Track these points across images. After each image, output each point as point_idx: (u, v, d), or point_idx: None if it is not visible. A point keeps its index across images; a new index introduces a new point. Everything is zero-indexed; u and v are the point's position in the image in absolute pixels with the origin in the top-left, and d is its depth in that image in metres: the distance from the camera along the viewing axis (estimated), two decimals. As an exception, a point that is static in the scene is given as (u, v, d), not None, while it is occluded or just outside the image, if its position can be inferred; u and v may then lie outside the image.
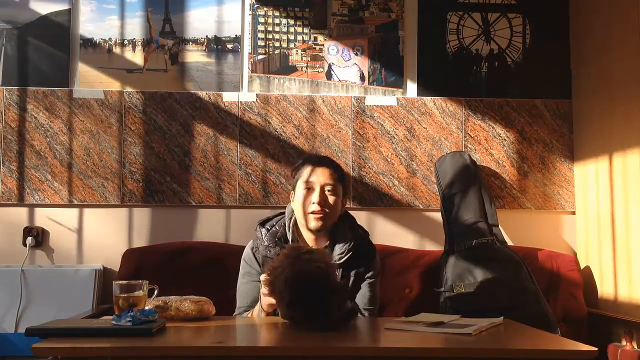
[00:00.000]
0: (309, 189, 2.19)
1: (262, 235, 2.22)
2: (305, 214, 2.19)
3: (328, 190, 2.19)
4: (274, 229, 2.23)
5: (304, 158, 2.35)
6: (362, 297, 2.22)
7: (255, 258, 2.23)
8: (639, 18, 2.65)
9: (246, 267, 2.26)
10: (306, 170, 2.23)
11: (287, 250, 1.86)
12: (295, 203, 2.22)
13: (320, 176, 2.20)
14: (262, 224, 2.26)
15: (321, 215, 2.16)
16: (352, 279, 2.20)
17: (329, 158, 2.34)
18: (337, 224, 2.24)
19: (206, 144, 3.08)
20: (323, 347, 1.61)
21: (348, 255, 2.18)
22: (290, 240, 2.21)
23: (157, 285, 1.94)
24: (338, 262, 2.15)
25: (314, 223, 2.18)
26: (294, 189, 2.27)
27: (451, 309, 2.67)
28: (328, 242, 2.22)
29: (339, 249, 2.20)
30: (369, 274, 2.24)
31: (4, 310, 2.87)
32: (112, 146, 3.07)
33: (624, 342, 2.51)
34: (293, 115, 3.11)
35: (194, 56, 3.16)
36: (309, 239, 2.23)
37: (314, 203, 2.16)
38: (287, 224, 2.24)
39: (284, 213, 2.29)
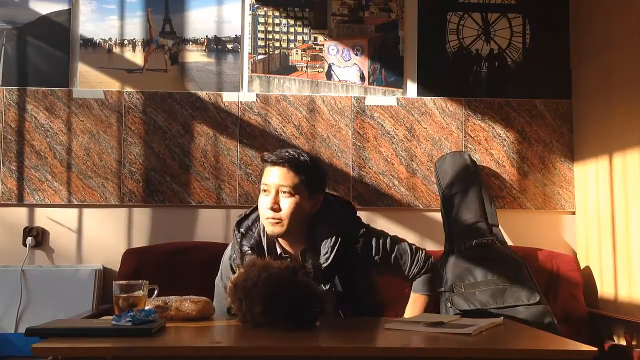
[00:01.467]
0: (265, 191, 2.02)
1: (237, 241, 2.09)
2: (263, 220, 2.02)
3: (283, 192, 1.99)
4: (249, 232, 2.09)
5: (262, 156, 2.09)
6: (396, 265, 2.09)
7: (232, 269, 2.10)
8: (639, 18, 2.65)
9: (223, 276, 2.16)
10: (264, 170, 2.05)
11: (250, 262, 1.84)
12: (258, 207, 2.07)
13: (275, 177, 2.00)
14: (239, 224, 2.11)
15: (276, 220, 1.98)
16: (353, 270, 2.05)
17: (287, 154, 2.04)
18: (313, 224, 2.05)
19: (206, 144, 3.08)
20: (323, 347, 1.62)
21: (334, 251, 2.01)
22: (265, 248, 2.06)
23: (157, 285, 1.94)
24: (326, 264, 2.01)
25: (270, 229, 2.01)
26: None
27: (451, 309, 2.67)
28: (304, 245, 2.05)
29: (323, 249, 2.03)
30: (374, 251, 2.08)
31: (4, 310, 2.87)
32: (112, 146, 3.07)
33: (623, 342, 2.51)
34: (293, 115, 3.11)
35: (194, 56, 3.16)
36: (283, 243, 2.07)
37: (267, 208, 1.99)
38: (261, 228, 2.08)
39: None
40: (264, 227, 2.06)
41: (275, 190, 2.00)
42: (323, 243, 2.03)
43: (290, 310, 1.72)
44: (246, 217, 2.13)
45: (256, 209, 2.11)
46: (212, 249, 2.91)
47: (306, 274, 1.85)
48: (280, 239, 2.06)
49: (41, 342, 1.52)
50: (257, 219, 2.09)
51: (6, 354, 2.79)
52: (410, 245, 2.16)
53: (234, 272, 2.02)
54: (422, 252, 2.15)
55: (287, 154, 2.05)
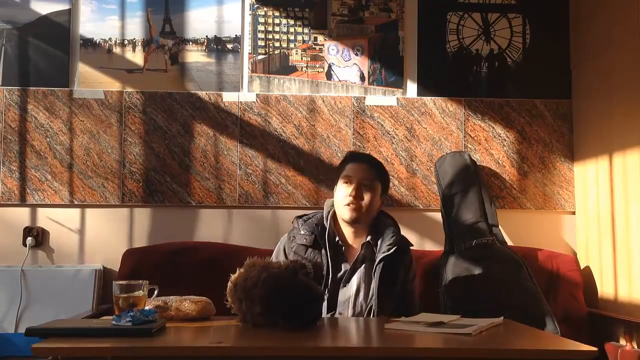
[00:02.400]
0: (347, 182, 2.28)
1: (299, 225, 2.29)
2: (341, 206, 2.26)
3: (364, 185, 2.26)
4: (310, 220, 2.31)
5: (347, 153, 2.45)
6: (408, 295, 2.31)
7: (284, 252, 2.29)
8: (639, 18, 2.65)
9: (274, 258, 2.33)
10: (347, 166, 2.33)
11: (250, 262, 1.89)
12: (334, 195, 2.32)
13: (359, 172, 2.29)
14: (299, 217, 2.34)
15: (355, 206, 2.24)
16: (402, 272, 2.28)
17: (369, 156, 2.48)
18: (377, 221, 2.31)
19: (206, 144, 3.09)
20: (323, 347, 1.62)
21: (394, 248, 2.23)
22: (327, 229, 2.27)
23: (157, 285, 1.94)
24: (386, 253, 2.22)
25: (348, 214, 2.24)
26: (335, 183, 2.35)
27: (451, 309, 2.66)
28: (369, 237, 2.28)
29: (386, 241, 2.25)
30: (411, 275, 2.34)
31: (4, 310, 2.87)
32: (112, 146, 3.07)
33: (623, 342, 2.51)
34: (293, 115, 3.11)
35: (194, 56, 3.16)
36: (347, 232, 2.31)
37: (349, 196, 2.24)
38: (325, 215, 2.31)
39: (321, 210, 2.36)
40: (329, 215, 2.30)
41: (357, 182, 2.27)
42: (387, 235, 2.27)
43: (290, 310, 1.72)
44: (305, 214, 2.37)
45: (316, 211, 2.36)
46: (212, 249, 2.92)
47: (306, 274, 1.86)
48: (343, 229, 2.30)
49: (41, 342, 1.52)
50: (320, 216, 2.33)
51: (6, 354, 2.79)
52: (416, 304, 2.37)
53: (286, 256, 2.27)
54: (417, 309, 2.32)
55: (370, 156, 2.48)
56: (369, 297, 2.21)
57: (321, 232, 2.27)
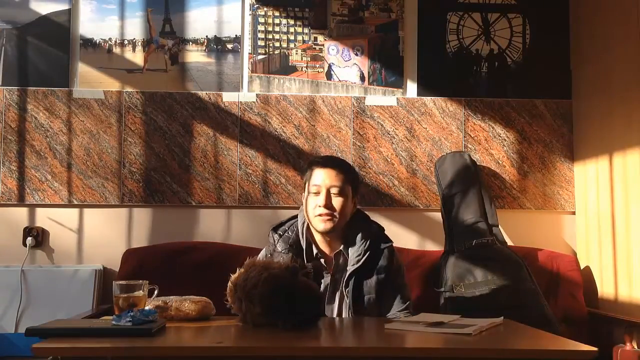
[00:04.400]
0: (316, 192, 2.18)
1: (274, 241, 2.21)
2: (312, 217, 2.18)
3: (334, 193, 2.17)
4: (286, 234, 2.22)
5: (310, 160, 2.34)
6: (398, 303, 2.20)
7: None
8: (639, 18, 2.65)
9: None
10: (313, 173, 2.22)
11: (250, 262, 1.87)
12: (304, 207, 2.22)
13: (326, 178, 2.19)
14: (275, 229, 2.25)
15: (328, 217, 2.15)
16: (374, 279, 2.16)
17: (335, 158, 2.33)
18: (349, 225, 2.22)
19: (206, 144, 3.08)
20: (323, 347, 1.62)
21: (365, 256, 2.15)
22: (303, 246, 2.19)
23: (157, 285, 1.94)
24: (356, 266, 2.14)
25: (321, 225, 2.16)
26: (304, 191, 2.26)
27: (451, 309, 2.66)
28: (342, 246, 2.20)
29: (354, 251, 2.17)
30: (397, 280, 2.22)
31: (4, 310, 2.87)
32: (112, 146, 3.07)
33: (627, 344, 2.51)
34: (293, 115, 3.11)
35: (194, 56, 3.16)
36: (322, 243, 2.22)
37: (319, 206, 2.15)
38: (300, 229, 2.22)
39: (296, 217, 2.28)
40: (304, 228, 2.21)
41: (326, 190, 2.17)
42: (356, 245, 2.18)
43: (290, 310, 1.72)
44: (282, 223, 2.27)
45: (292, 218, 2.28)
46: (212, 249, 2.92)
47: (306, 274, 1.85)
48: (318, 240, 2.21)
49: (41, 342, 1.52)
50: (294, 225, 2.24)
51: (6, 354, 2.79)
52: (409, 296, 2.26)
53: None
54: (410, 312, 2.21)
55: (333, 158, 2.34)
56: (348, 312, 2.13)
57: (297, 251, 2.17)
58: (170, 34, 3.17)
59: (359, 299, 2.15)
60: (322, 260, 2.20)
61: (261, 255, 2.25)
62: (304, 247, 2.19)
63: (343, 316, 2.15)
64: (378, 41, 3.19)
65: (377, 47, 3.19)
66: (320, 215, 2.15)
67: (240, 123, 3.10)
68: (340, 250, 2.19)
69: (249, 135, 3.10)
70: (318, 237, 2.22)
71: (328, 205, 2.15)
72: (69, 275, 2.93)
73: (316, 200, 2.17)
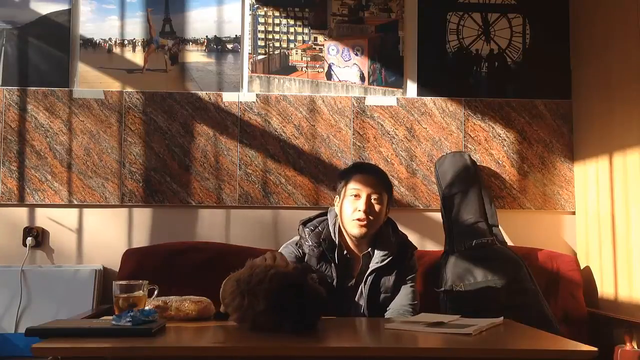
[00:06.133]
0: (356, 195, 2.22)
1: (306, 235, 2.25)
2: (349, 221, 2.22)
3: (374, 199, 2.22)
4: (317, 229, 2.26)
5: (353, 164, 2.44)
6: (404, 296, 2.26)
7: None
8: (639, 18, 2.65)
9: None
10: (354, 177, 2.27)
11: (251, 263, 1.85)
12: (341, 208, 2.26)
13: (368, 185, 2.23)
14: (304, 223, 2.29)
15: (365, 222, 2.19)
16: (393, 279, 2.25)
17: (376, 167, 2.41)
18: (379, 230, 2.27)
19: (206, 144, 3.08)
20: (323, 347, 1.61)
21: (390, 258, 2.22)
22: (335, 243, 2.23)
23: (157, 285, 1.94)
24: (380, 264, 2.21)
25: (357, 230, 2.21)
26: (339, 193, 2.30)
27: (451, 309, 2.66)
28: (369, 248, 2.25)
29: (379, 254, 2.23)
30: (410, 276, 2.29)
31: (4, 310, 2.87)
32: (112, 146, 3.07)
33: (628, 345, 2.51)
34: (293, 115, 3.11)
35: (194, 56, 3.16)
36: (351, 243, 2.27)
37: (359, 211, 2.20)
38: (332, 229, 2.26)
39: (324, 214, 2.32)
40: (335, 228, 2.25)
41: (366, 195, 2.22)
42: (383, 250, 2.24)
43: (296, 309, 1.68)
44: (311, 219, 2.32)
45: (319, 215, 2.33)
46: (212, 249, 2.92)
47: (313, 279, 1.83)
48: (349, 241, 2.27)
49: (41, 342, 1.52)
50: (324, 222, 2.28)
51: (6, 354, 2.79)
52: (417, 296, 2.31)
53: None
54: (416, 311, 2.27)
55: (373, 165, 2.47)
56: (363, 309, 2.21)
57: (329, 246, 2.23)
58: (170, 34, 3.17)
59: (376, 296, 2.22)
60: (351, 261, 2.26)
61: (287, 247, 2.28)
62: (336, 243, 2.23)
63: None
64: (378, 41, 3.19)
65: (377, 47, 3.19)
66: (358, 219, 2.20)
67: (240, 123, 3.10)
68: (368, 251, 2.25)
69: (249, 135, 3.10)
70: (349, 239, 2.27)
71: (367, 210, 2.20)
72: (69, 275, 2.93)
73: (356, 204, 2.21)
